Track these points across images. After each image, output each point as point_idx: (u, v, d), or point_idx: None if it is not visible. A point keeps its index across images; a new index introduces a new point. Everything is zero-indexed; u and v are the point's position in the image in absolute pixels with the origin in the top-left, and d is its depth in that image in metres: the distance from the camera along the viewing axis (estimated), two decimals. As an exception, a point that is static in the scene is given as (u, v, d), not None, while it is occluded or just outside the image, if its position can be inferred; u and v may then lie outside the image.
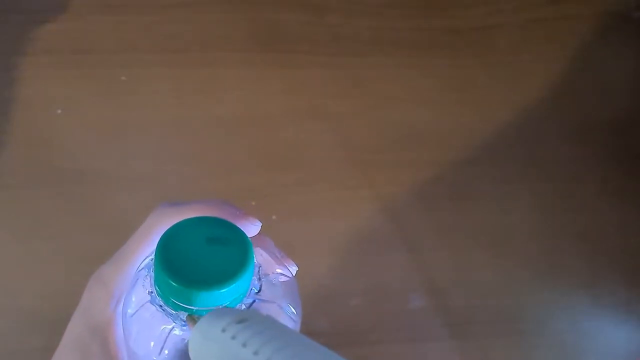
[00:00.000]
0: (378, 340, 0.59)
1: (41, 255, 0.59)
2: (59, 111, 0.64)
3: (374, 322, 0.60)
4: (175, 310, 0.26)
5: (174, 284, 0.25)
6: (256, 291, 0.29)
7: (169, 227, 0.30)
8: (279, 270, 0.30)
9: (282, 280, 0.31)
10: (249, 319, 0.23)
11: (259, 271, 0.29)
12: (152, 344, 0.28)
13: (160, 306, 0.27)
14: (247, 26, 0.69)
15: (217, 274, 0.25)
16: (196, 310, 0.26)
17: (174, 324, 0.27)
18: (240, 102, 0.67)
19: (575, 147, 0.68)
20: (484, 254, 0.63)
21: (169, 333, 0.28)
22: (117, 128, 0.64)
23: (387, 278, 0.62)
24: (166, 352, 0.28)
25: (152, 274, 0.27)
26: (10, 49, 0.66)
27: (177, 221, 0.30)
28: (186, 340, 0.27)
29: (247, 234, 0.28)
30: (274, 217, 0.62)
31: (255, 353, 0.21)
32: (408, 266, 0.62)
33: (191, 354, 0.24)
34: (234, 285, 0.26)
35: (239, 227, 0.28)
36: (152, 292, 0.27)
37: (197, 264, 0.26)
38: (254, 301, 0.28)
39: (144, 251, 0.32)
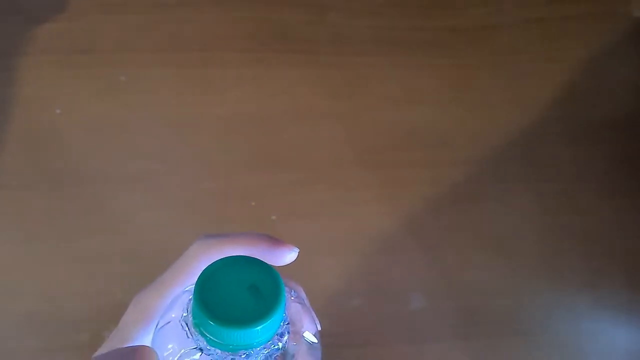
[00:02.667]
0: (379, 341, 0.59)
1: (40, 255, 0.59)
2: (58, 111, 0.64)
3: (375, 323, 0.60)
4: (209, 345, 0.28)
5: (210, 321, 0.27)
6: (286, 332, 0.30)
7: (209, 258, 0.32)
8: (307, 335, 0.32)
9: (305, 343, 0.32)
10: None
11: (286, 325, 0.31)
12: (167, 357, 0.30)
13: (191, 333, 0.29)
14: (247, 26, 0.69)
15: (247, 316, 0.28)
16: (224, 345, 0.28)
17: (190, 348, 0.29)
18: (240, 102, 0.66)
19: (575, 147, 0.68)
20: (484, 254, 0.63)
21: (182, 356, 0.30)
22: (117, 128, 0.64)
23: (387, 278, 0.61)
24: None
25: (191, 304, 0.29)
26: (10, 48, 0.66)
27: (217, 252, 0.32)
28: None
29: (285, 260, 0.32)
30: (273, 217, 0.62)
31: None
32: (409, 266, 0.62)
33: None
34: (264, 325, 0.28)
35: (277, 254, 0.32)
36: (187, 315, 0.30)
37: (231, 305, 0.28)
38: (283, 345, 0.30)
39: (183, 281, 0.33)
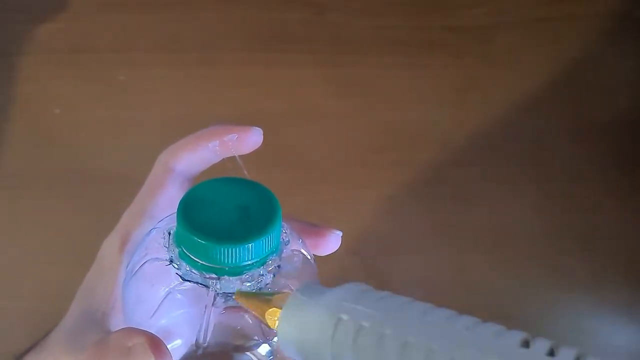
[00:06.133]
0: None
1: (40, 255, 0.59)
2: (58, 111, 0.64)
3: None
4: (198, 271, 0.25)
5: (200, 241, 0.25)
6: (285, 245, 0.28)
7: (178, 159, 0.31)
8: (303, 251, 0.30)
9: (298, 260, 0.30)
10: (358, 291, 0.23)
11: (284, 241, 0.28)
12: (146, 306, 0.28)
13: (178, 268, 0.26)
14: (247, 26, 0.69)
15: (242, 231, 0.25)
16: (220, 269, 0.25)
17: (170, 287, 0.27)
18: (239, 101, 0.66)
19: (575, 147, 0.68)
20: (484, 254, 0.63)
21: (165, 297, 0.27)
22: (116, 128, 0.64)
23: (386, 278, 0.61)
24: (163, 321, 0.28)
25: (172, 237, 0.27)
26: (9, 48, 0.65)
27: (187, 152, 0.31)
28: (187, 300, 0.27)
29: (255, 140, 0.30)
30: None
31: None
32: (408, 266, 0.62)
33: (286, 339, 0.23)
34: (261, 240, 0.25)
35: (244, 136, 0.30)
36: (170, 249, 0.27)
37: (220, 222, 0.25)
38: (279, 266, 0.27)
39: (159, 195, 0.32)
